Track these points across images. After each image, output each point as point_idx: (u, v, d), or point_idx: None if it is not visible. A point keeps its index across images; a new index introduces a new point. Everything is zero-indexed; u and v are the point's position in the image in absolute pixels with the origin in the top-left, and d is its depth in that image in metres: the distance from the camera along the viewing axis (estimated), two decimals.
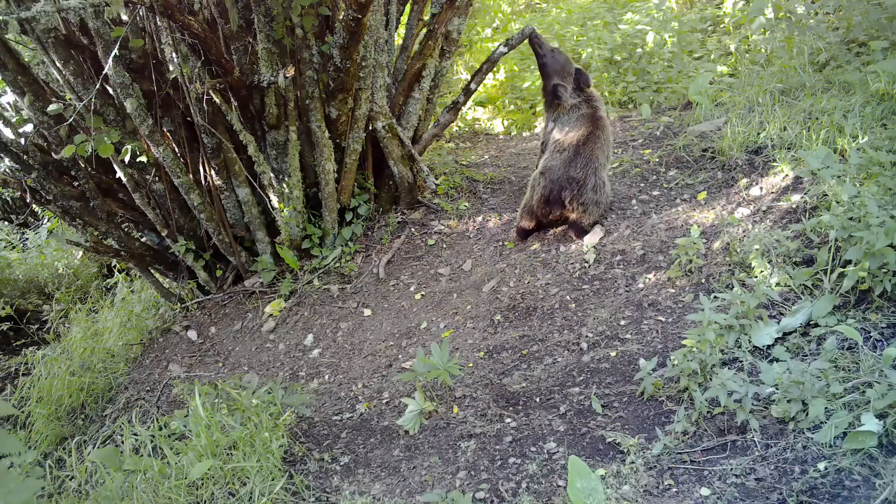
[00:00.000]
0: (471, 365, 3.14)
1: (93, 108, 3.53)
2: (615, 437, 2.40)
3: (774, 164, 3.57)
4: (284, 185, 4.12)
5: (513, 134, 6.34)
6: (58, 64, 3.75)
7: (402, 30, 4.91)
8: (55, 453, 3.48)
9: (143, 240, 4.66)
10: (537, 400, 2.77)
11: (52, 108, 3.34)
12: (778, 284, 2.80)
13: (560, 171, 3.71)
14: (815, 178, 3.20)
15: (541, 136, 4.39)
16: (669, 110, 5.36)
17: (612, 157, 4.40)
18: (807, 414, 2.15)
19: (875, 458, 1.95)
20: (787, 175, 3.42)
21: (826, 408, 2.13)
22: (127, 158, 3.76)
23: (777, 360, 2.42)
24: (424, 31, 4.43)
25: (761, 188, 3.48)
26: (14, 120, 4.12)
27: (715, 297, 2.80)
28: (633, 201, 3.97)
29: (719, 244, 3.22)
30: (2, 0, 3.48)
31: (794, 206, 3.20)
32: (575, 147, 3.73)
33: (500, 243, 4.02)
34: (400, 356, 3.45)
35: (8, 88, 3.89)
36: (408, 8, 4.83)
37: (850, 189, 2.76)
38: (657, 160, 4.33)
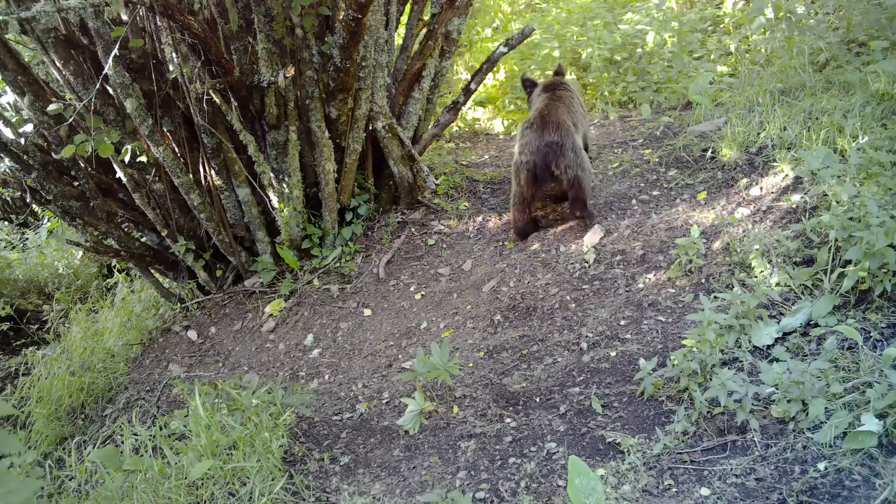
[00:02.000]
0: (471, 365, 3.14)
1: (93, 108, 3.53)
2: (615, 437, 2.40)
3: (774, 164, 3.57)
4: (284, 185, 4.12)
5: (513, 134, 6.33)
6: (58, 64, 3.75)
7: (402, 30, 4.90)
8: (55, 453, 3.49)
9: (143, 240, 4.66)
10: (537, 400, 2.77)
11: (52, 108, 3.34)
12: (778, 284, 2.80)
13: (536, 141, 3.73)
14: (815, 178, 3.20)
15: None
16: (669, 110, 5.36)
17: (590, 129, 4.56)
18: (807, 414, 2.15)
19: (875, 458, 1.95)
20: (787, 175, 3.42)
21: (826, 408, 2.13)
22: (127, 158, 3.76)
23: (777, 360, 2.42)
24: (424, 31, 4.43)
25: (761, 188, 3.48)
26: (14, 120, 4.12)
27: (715, 297, 2.80)
28: (633, 201, 3.97)
29: (719, 244, 3.22)
30: (2, 0, 3.48)
31: (794, 206, 3.20)
32: (541, 117, 3.81)
33: (500, 243, 4.02)
34: (400, 356, 3.45)
35: (8, 88, 3.89)
36: (408, 8, 4.83)
37: (850, 189, 2.76)
38: (657, 160, 4.33)
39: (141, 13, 3.71)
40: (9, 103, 4.37)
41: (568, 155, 3.68)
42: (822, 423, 2.11)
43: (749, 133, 3.92)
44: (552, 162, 3.69)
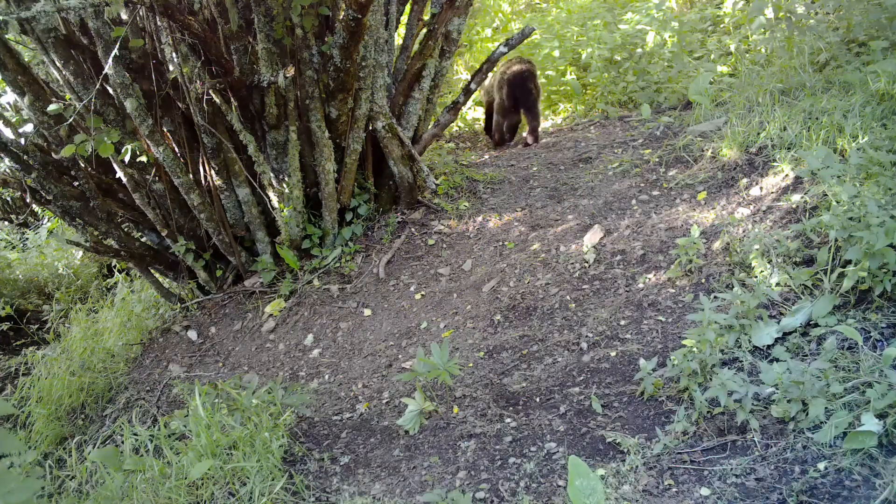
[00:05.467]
0: (471, 365, 3.14)
1: (93, 108, 3.53)
2: (615, 437, 2.40)
3: (774, 164, 3.57)
4: (284, 185, 4.12)
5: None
6: (58, 64, 3.75)
7: (402, 30, 4.91)
8: (55, 453, 3.49)
9: (143, 240, 4.66)
10: (537, 400, 2.77)
11: (52, 108, 3.34)
12: (778, 284, 2.79)
13: (518, 65, 5.44)
14: (815, 178, 3.20)
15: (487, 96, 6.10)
16: (669, 110, 5.37)
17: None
18: (807, 414, 2.15)
19: (875, 458, 1.95)
20: (787, 175, 3.42)
21: (826, 408, 2.13)
22: (127, 158, 3.76)
23: (777, 360, 2.42)
24: (424, 31, 4.43)
25: (761, 188, 3.48)
26: (14, 120, 4.12)
27: (715, 297, 2.80)
28: (633, 201, 3.97)
29: (719, 244, 3.22)
30: (2, 0, 3.48)
31: (794, 206, 3.20)
32: (518, 56, 5.57)
33: (500, 243, 4.02)
34: (400, 356, 3.45)
35: (8, 88, 3.89)
36: (408, 8, 4.83)
37: (850, 189, 2.76)
38: (657, 160, 4.33)
39: (141, 13, 3.72)
40: (9, 103, 4.37)
41: (536, 79, 5.48)
42: (822, 423, 2.11)
43: (749, 133, 3.92)
44: (528, 80, 5.37)
